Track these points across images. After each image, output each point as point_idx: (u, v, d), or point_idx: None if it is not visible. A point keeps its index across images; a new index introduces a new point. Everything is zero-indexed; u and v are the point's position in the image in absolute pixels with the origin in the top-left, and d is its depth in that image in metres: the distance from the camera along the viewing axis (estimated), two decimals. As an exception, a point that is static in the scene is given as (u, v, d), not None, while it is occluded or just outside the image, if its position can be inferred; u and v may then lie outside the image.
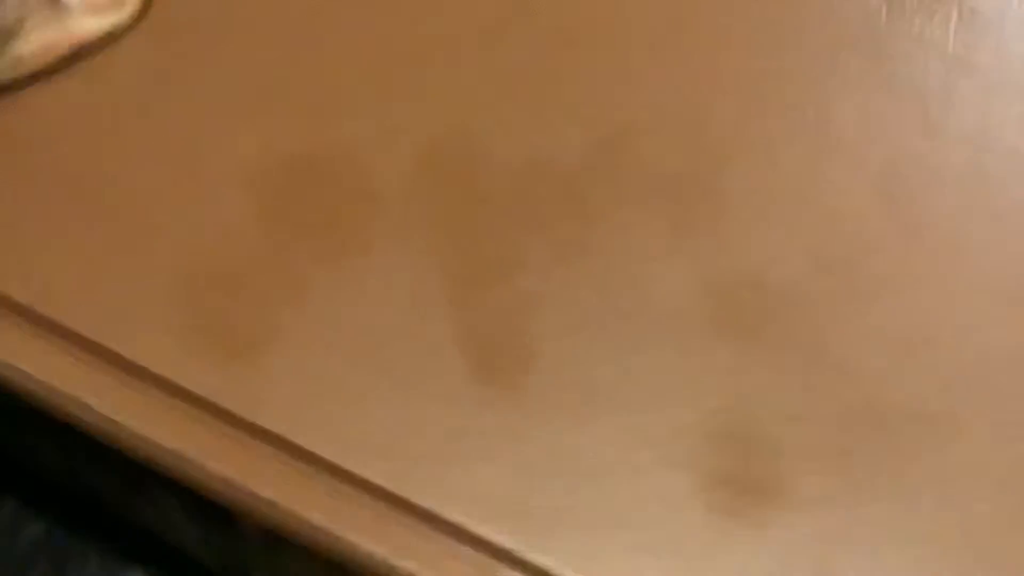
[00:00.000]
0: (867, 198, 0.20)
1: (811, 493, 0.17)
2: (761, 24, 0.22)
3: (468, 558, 0.17)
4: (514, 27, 0.22)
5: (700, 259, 0.19)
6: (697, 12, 0.22)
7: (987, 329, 0.18)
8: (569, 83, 0.21)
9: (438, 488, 0.17)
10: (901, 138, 0.21)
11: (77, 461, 0.20)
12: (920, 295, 0.19)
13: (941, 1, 0.22)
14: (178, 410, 0.18)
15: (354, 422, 0.18)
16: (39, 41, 0.22)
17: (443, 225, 0.20)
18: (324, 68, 0.22)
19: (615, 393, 0.18)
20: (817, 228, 0.20)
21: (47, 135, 0.21)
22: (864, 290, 0.19)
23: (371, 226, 0.20)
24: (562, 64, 0.22)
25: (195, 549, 0.20)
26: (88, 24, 0.22)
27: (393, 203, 0.20)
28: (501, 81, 0.21)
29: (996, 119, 0.21)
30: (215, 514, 0.18)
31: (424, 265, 0.19)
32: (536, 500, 0.17)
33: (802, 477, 0.17)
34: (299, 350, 0.19)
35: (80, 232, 0.20)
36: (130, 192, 0.20)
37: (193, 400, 0.18)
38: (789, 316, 0.19)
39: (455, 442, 0.18)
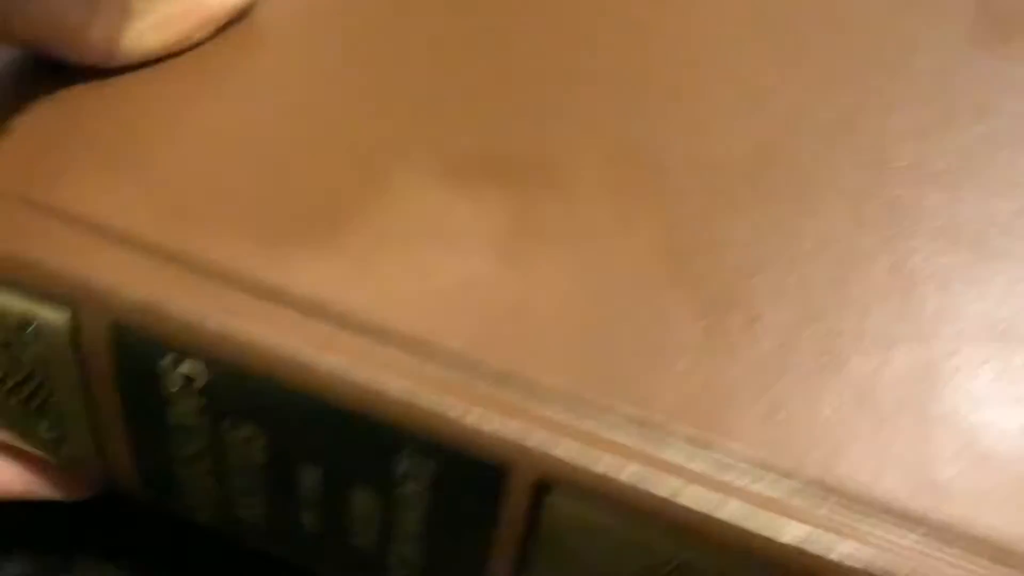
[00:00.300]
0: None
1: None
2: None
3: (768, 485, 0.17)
4: (665, 34, 0.24)
5: (885, 229, 0.21)
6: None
7: None
8: (728, 83, 0.23)
9: (714, 429, 0.17)
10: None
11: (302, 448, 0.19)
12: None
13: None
14: (423, 367, 0.17)
15: (612, 377, 0.18)
16: (183, 3, 0.22)
17: (648, 214, 0.20)
18: (502, 74, 0.22)
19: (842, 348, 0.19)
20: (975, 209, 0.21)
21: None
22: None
23: (582, 216, 0.20)
24: (720, 63, 0.23)
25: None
26: None
27: (594, 197, 0.21)
28: (665, 84, 0.23)
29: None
30: (480, 478, 0.17)
31: (639, 250, 0.20)
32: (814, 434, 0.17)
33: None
34: (544, 313, 0.18)
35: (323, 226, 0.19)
36: (336, 187, 0.20)
37: (439, 356, 0.18)
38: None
39: (726, 388, 0.18)
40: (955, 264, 0.20)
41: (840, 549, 0.16)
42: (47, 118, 0.21)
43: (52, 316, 0.18)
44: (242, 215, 0.19)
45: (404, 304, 0.18)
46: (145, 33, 0.21)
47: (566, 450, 0.17)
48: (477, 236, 0.19)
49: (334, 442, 0.18)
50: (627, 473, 0.17)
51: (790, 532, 0.16)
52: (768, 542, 0.16)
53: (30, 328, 0.18)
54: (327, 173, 0.20)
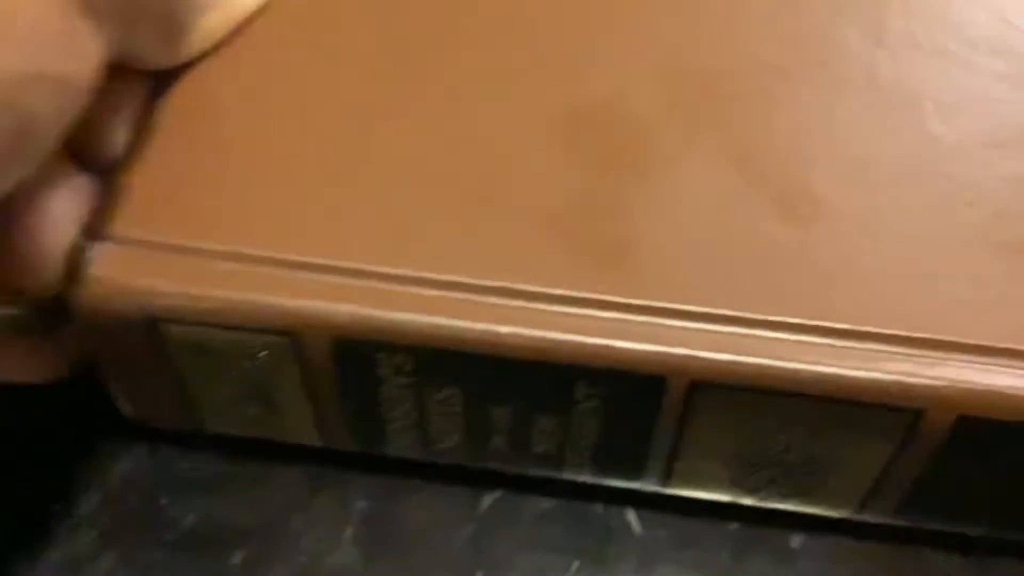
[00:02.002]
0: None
1: None
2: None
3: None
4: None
5: (902, 98, 0.25)
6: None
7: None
8: None
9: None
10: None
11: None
12: None
13: None
14: (585, 313, 0.22)
15: (715, 280, 0.23)
16: (220, 14, 0.25)
17: (710, 127, 0.25)
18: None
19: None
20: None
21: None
22: None
23: (656, 148, 0.24)
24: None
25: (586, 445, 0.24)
26: None
27: (665, 129, 0.25)
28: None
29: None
30: (640, 396, 0.22)
31: (712, 166, 0.24)
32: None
33: None
34: (655, 246, 0.23)
35: (439, 186, 0.24)
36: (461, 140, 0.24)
37: (592, 303, 0.22)
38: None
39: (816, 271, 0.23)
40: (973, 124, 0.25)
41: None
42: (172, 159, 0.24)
43: (279, 341, 0.22)
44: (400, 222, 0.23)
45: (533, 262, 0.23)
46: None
47: (709, 355, 0.22)
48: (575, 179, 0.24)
49: (519, 387, 0.23)
50: (754, 363, 0.22)
51: (888, 368, 0.21)
52: (873, 384, 0.21)
53: (262, 355, 0.23)
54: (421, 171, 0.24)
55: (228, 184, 0.24)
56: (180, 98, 0.25)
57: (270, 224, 0.23)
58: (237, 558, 0.26)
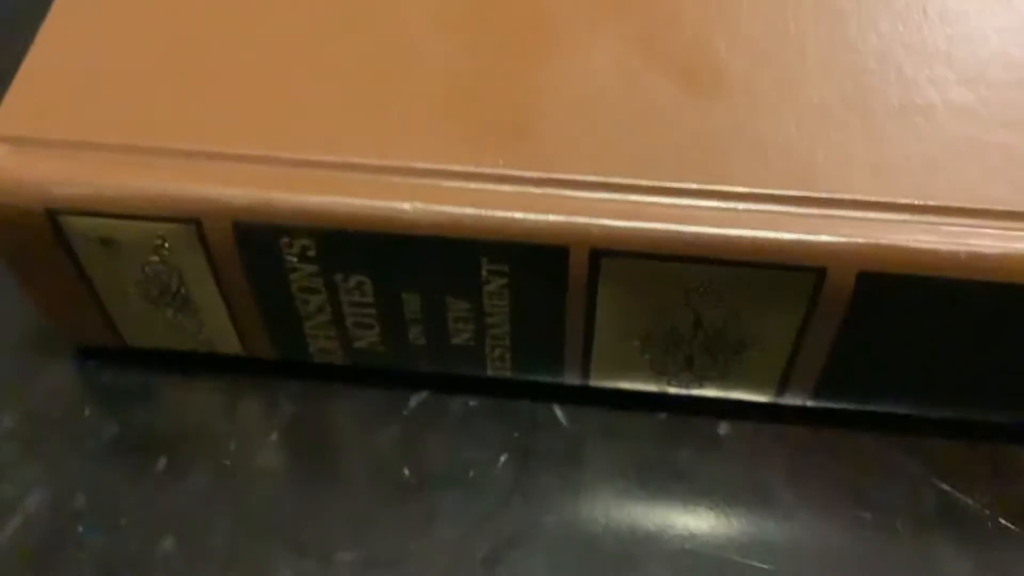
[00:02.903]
0: None
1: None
2: None
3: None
4: None
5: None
6: None
7: None
8: None
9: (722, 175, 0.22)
10: None
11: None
12: None
13: None
14: (484, 188, 0.22)
15: (616, 151, 0.23)
16: None
17: (612, 12, 0.25)
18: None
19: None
20: None
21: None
22: None
23: (559, 31, 0.25)
24: None
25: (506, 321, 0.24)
26: None
27: (566, 14, 0.25)
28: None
29: None
30: (544, 269, 0.22)
31: (613, 47, 0.24)
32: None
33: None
34: (553, 121, 0.23)
35: (348, 72, 0.24)
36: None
37: (491, 178, 0.22)
38: None
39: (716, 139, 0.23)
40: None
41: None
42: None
43: (180, 229, 0.23)
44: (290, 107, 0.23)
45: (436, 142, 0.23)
46: None
47: (608, 222, 0.22)
48: (475, 66, 0.24)
49: (426, 267, 0.23)
50: (657, 227, 0.22)
51: (788, 227, 0.21)
52: (772, 244, 0.21)
53: (166, 245, 0.23)
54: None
55: (119, 79, 0.24)
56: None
57: (163, 117, 0.23)
58: (161, 464, 0.26)
